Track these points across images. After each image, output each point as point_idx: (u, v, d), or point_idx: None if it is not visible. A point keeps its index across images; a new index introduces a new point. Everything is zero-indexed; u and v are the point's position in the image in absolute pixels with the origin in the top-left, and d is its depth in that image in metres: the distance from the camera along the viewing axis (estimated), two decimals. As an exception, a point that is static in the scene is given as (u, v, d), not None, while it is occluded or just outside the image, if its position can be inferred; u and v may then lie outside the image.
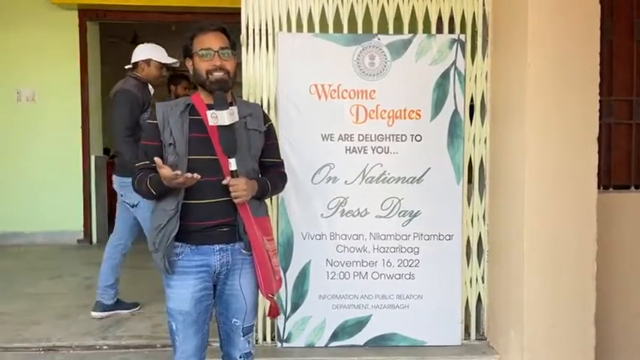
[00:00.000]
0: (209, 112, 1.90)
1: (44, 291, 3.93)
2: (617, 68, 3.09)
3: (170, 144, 1.93)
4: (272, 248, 2.06)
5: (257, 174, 2.06)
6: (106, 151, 6.40)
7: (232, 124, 1.89)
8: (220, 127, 1.88)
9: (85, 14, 5.61)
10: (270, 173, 2.13)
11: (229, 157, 1.89)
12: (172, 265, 1.94)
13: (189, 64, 2.02)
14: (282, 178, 2.22)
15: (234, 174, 1.89)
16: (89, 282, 4.17)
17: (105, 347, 2.95)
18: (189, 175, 1.81)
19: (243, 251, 2.00)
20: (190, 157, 1.92)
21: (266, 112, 2.82)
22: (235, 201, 1.91)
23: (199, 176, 1.83)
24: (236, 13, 2.92)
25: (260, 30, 2.86)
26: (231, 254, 1.99)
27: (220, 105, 1.88)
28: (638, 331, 3.04)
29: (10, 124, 5.61)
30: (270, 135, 2.13)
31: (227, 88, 1.97)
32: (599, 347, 2.63)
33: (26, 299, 3.73)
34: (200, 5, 5.31)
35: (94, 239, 5.75)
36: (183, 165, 1.90)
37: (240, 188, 1.90)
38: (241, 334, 2.04)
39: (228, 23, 2.10)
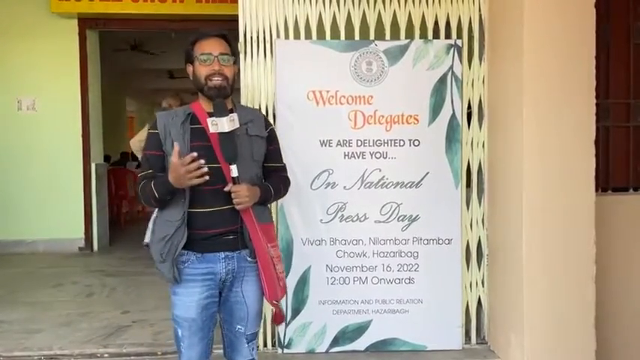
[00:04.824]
0: (209, 120, 1.90)
1: (45, 299, 3.94)
2: (614, 71, 3.10)
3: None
4: (276, 255, 2.06)
5: (260, 180, 2.07)
6: (106, 158, 6.42)
7: (232, 131, 1.89)
8: (221, 134, 1.89)
9: (85, 23, 5.64)
10: (273, 178, 2.12)
11: (230, 164, 1.89)
12: (179, 273, 1.94)
13: (189, 69, 2.02)
14: (285, 183, 2.21)
15: (235, 180, 1.90)
16: (90, 290, 4.19)
17: (106, 355, 2.95)
18: (193, 154, 1.80)
19: (249, 258, 2.00)
20: None
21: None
22: (237, 207, 1.92)
23: (197, 157, 1.81)
24: (235, 20, 2.93)
25: (258, 37, 2.88)
26: (237, 261, 1.98)
27: (220, 112, 1.88)
28: (638, 332, 3.04)
29: (11, 132, 5.64)
30: (272, 140, 2.13)
31: (226, 95, 1.97)
32: (600, 349, 2.63)
33: (27, 307, 3.73)
34: (199, 13, 5.34)
35: (95, 247, 5.76)
36: None
37: (243, 195, 1.90)
38: (245, 340, 2.04)
39: (227, 30, 2.12)
